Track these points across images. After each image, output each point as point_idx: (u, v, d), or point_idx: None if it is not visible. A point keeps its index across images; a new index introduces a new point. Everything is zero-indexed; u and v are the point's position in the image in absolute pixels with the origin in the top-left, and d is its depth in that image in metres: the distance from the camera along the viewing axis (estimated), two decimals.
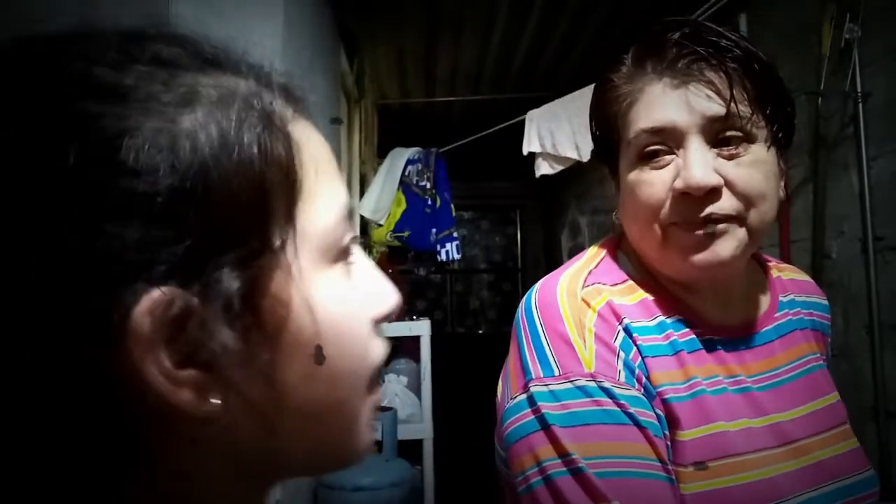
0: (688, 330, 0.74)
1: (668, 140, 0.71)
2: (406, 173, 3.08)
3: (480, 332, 6.25)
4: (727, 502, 0.66)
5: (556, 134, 2.45)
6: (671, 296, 0.76)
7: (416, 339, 2.88)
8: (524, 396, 0.67)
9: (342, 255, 0.37)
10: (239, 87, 0.34)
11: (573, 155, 2.38)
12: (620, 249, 0.81)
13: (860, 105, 1.76)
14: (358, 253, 0.40)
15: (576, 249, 4.33)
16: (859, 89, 1.76)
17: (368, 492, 2.31)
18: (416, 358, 2.93)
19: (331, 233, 0.36)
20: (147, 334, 0.29)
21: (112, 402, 0.30)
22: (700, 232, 0.70)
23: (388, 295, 0.41)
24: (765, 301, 0.82)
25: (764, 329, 0.80)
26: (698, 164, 0.69)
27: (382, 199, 3.07)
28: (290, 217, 0.34)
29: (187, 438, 0.32)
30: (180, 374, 0.30)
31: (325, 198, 0.36)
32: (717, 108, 0.69)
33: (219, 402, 0.31)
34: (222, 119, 0.32)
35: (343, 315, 0.36)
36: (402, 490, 2.47)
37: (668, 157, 0.71)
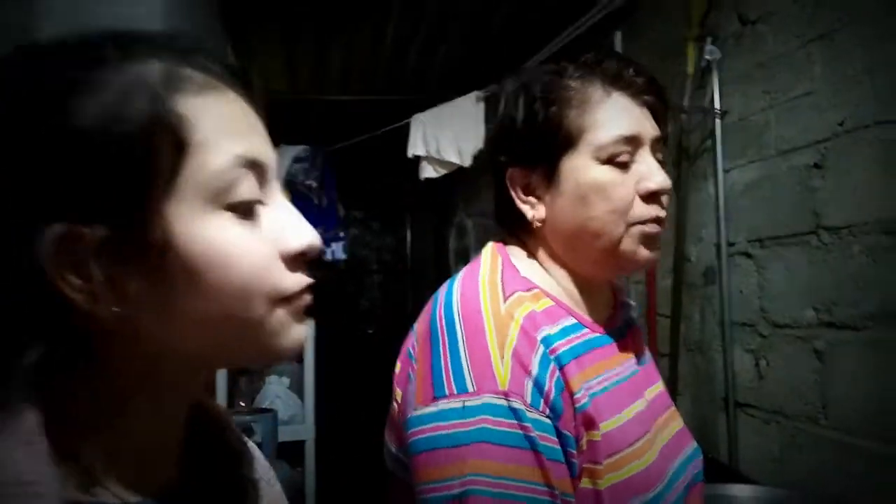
0: (584, 331, 0.80)
1: (633, 147, 0.79)
2: (291, 171, 3.03)
3: (370, 332, 6.24)
4: (633, 489, 0.71)
5: (441, 138, 2.50)
6: (569, 297, 0.82)
7: None
8: (435, 409, 0.68)
9: (236, 198, 0.44)
10: (140, 64, 0.43)
11: (456, 160, 2.44)
12: (515, 256, 0.84)
13: (718, 121, 1.91)
14: (274, 199, 0.48)
15: (461, 251, 4.41)
16: (718, 107, 1.92)
17: None
18: (300, 358, 2.89)
19: (218, 179, 0.43)
20: (57, 258, 0.40)
21: (51, 307, 0.41)
22: (655, 230, 0.80)
23: (297, 234, 0.48)
24: (614, 300, 0.91)
25: (618, 325, 0.88)
26: (658, 170, 0.80)
27: None
28: (174, 167, 0.42)
29: (111, 338, 0.43)
30: (86, 287, 0.41)
31: (214, 151, 0.44)
32: (658, 130, 0.82)
33: (118, 310, 0.41)
34: (115, 86, 0.41)
35: (232, 248, 0.44)
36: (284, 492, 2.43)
37: (629, 163, 0.80)
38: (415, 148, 2.59)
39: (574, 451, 0.70)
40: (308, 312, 0.50)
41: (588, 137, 0.78)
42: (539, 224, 0.82)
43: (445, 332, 0.73)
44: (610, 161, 0.78)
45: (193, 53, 0.46)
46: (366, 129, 3.15)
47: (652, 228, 0.79)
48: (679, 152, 2.12)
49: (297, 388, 2.88)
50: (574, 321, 0.79)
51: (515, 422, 0.66)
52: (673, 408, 0.89)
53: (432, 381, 0.70)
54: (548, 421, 0.68)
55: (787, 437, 1.67)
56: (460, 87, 2.83)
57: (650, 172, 0.78)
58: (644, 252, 0.79)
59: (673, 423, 0.86)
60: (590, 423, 0.71)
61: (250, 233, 0.45)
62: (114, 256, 0.41)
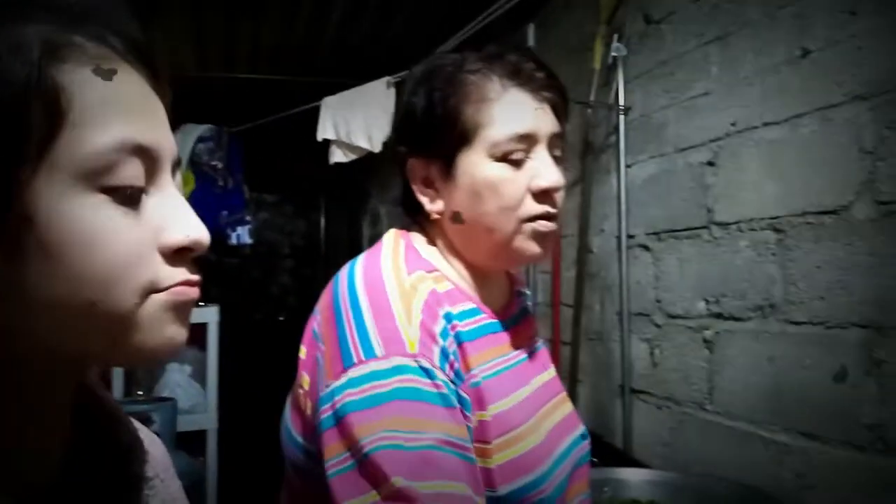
0: (481, 316, 0.82)
1: (528, 145, 0.80)
2: (196, 151, 2.92)
3: (281, 319, 6.12)
4: (521, 469, 0.74)
5: (351, 123, 2.47)
6: (467, 285, 0.84)
7: (204, 326, 2.76)
8: (345, 379, 0.68)
9: (115, 182, 0.41)
10: (21, 34, 0.39)
11: (366, 145, 2.42)
12: (417, 242, 0.85)
13: (621, 117, 1.97)
14: (163, 189, 0.45)
15: (375, 238, 4.37)
16: (622, 103, 1.97)
17: None
18: (203, 345, 2.81)
19: (95, 159, 0.40)
20: None
21: None
22: (547, 227, 0.81)
23: (180, 227, 0.45)
24: (510, 288, 0.93)
25: (514, 313, 0.90)
26: (552, 167, 0.81)
27: None
28: (45, 139, 0.39)
29: None
30: None
31: (95, 129, 0.41)
32: (557, 127, 0.83)
33: None
34: None
35: (101, 231, 0.41)
36: (183, 483, 2.36)
37: (523, 160, 0.81)
38: (324, 132, 2.55)
39: (470, 417, 0.72)
40: (198, 304, 0.47)
41: (483, 134, 0.79)
42: (437, 216, 0.83)
43: (349, 306, 0.73)
44: (504, 158, 0.79)
45: (89, 22, 0.42)
46: (276, 110, 3.07)
47: (543, 226, 0.80)
48: (584, 146, 2.17)
49: (200, 376, 2.79)
50: (472, 306, 0.81)
51: (428, 380, 0.68)
52: (563, 394, 0.93)
53: (340, 355, 0.70)
54: (452, 385, 0.71)
55: (676, 422, 1.75)
56: (374, 71, 2.80)
57: (543, 170, 0.79)
58: (535, 248, 0.81)
59: (562, 408, 0.89)
60: (480, 403, 0.73)
61: (127, 219, 0.42)
62: None
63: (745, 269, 1.53)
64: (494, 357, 0.79)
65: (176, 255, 0.44)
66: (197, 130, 2.96)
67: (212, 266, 3.73)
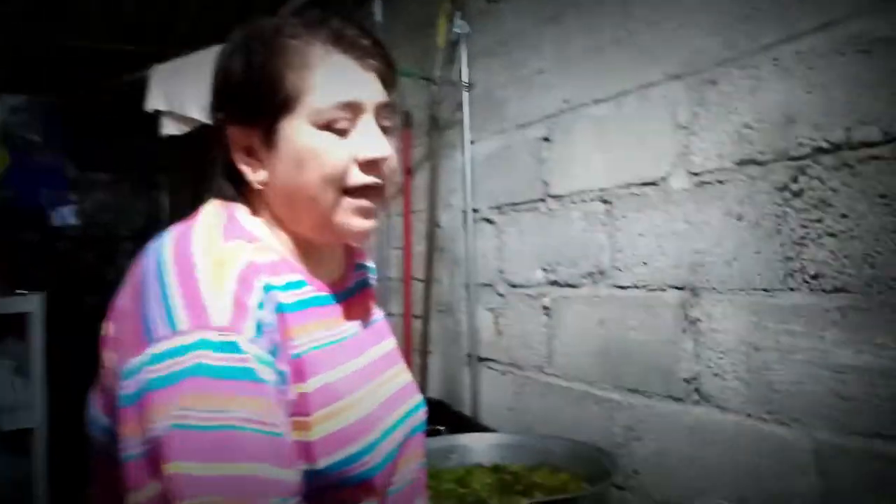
0: (307, 288, 0.80)
1: (353, 113, 0.77)
2: (9, 123, 2.63)
3: None
4: (344, 440, 0.73)
5: (184, 93, 2.33)
6: (294, 257, 0.81)
7: (25, 316, 2.52)
8: (146, 356, 0.64)
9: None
10: None
11: (199, 116, 2.29)
12: (239, 212, 0.81)
13: (465, 94, 2.00)
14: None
15: None
16: (465, 80, 2.01)
17: None
18: (26, 337, 2.56)
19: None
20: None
21: None
22: (369, 201, 0.79)
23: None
24: (347, 262, 0.92)
25: (349, 286, 0.90)
26: (378, 137, 0.79)
27: None
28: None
29: None
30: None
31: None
32: (384, 95, 0.81)
33: None
34: None
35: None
36: (5, 487, 2.16)
37: (349, 129, 0.78)
38: (154, 102, 2.38)
39: (287, 390, 0.70)
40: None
41: (305, 101, 0.76)
42: (260, 186, 0.80)
43: (155, 278, 0.69)
44: (327, 127, 0.76)
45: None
46: (106, 81, 2.83)
47: (364, 202, 0.79)
48: (431, 123, 2.19)
49: (25, 370, 2.55)
50: (299, 278, 0.79)
51: (234, 354, 0.65)
52: (400, 365, 0.93)
53: (143, 329, 0.66)
54: (269, 357, 0.68)
55: (519, 387, 1.83)
56: (209, 39, 2.65)
57: (369, 140, 0.78)
58: (357, 222, 0.79)
59: (398, 378, 0.90)
60: (300, 375, 0.71)
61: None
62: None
63: (578, 238, 1.62)
64: (320, 329, 0.78)
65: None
66: (9, 101, 2.66)
67: (35, 249, 3.38)
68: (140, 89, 2.55)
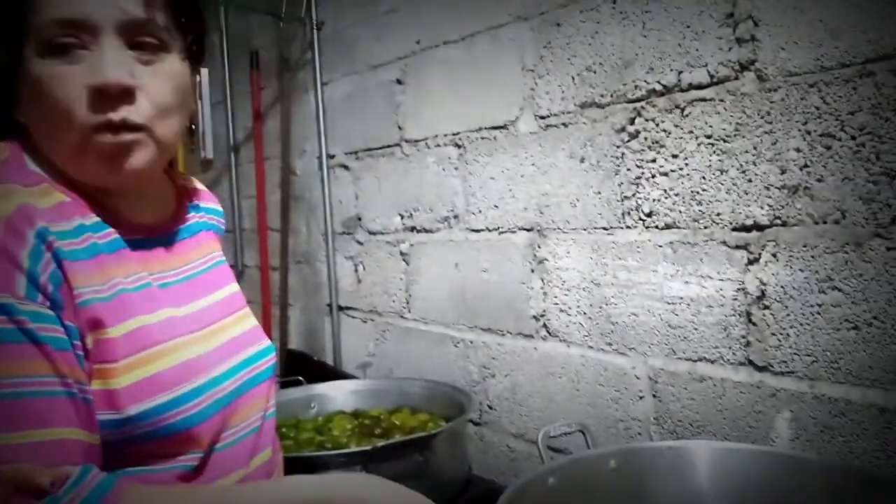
0: (108, 231, 0.73)
1: (82, 34, 0.67)
2: None
3: None
4: (158, 387, 0.69)
5: None
6: (89, 198, 0.73)
7: None
8: None
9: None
10: None
11: None
12: (26, 149, 0.73)
13: (315, 32, 1.92)
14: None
15: None
16: (314, 17, 1.92)
17: None
18: None
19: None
20: None
21: None
22: (115, 140, 0.69)
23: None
24: (175, 205, 0.86)
25: (177, 228, 0.84)
26: (114, 62, 0.67)
27: None
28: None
29: None
30: None
31: None
32: (138, 10, 0.68)
33: None
34: None
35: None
36: None
37: (81, 52, 0.67)
38: None
39: (79, 344, 0.66)
40: None
41: (30, 23, 0.67)
42: (21, 120, 0.73)
43: None
44: (54, 52, 0.67)
45: None
46: None
47: (103, 139, 0.68)
48: (280, 63, 2.09)
49: None
50: (97, 220, 0.73)
51: (5, 317, 0.60)
52: (242, 311, 0.90)
53: None
54: (49, 312, 0.63)
55: (379, 333, 1.83)
56: None
57: (99, 64, 0.67)
58: (101, 166, 0.70)
59: (238, 325, 0.86)
60: (97, 323, 0.67)
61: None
62: None
63: (434, 183, 1.62)
64: (126, 274, 0.72)
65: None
66: None
67: None
68: None
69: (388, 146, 1.75)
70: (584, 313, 1.30)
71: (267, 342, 0.90)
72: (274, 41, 2.09)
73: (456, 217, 1.57)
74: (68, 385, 0.63)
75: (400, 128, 1.71)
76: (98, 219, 0.72)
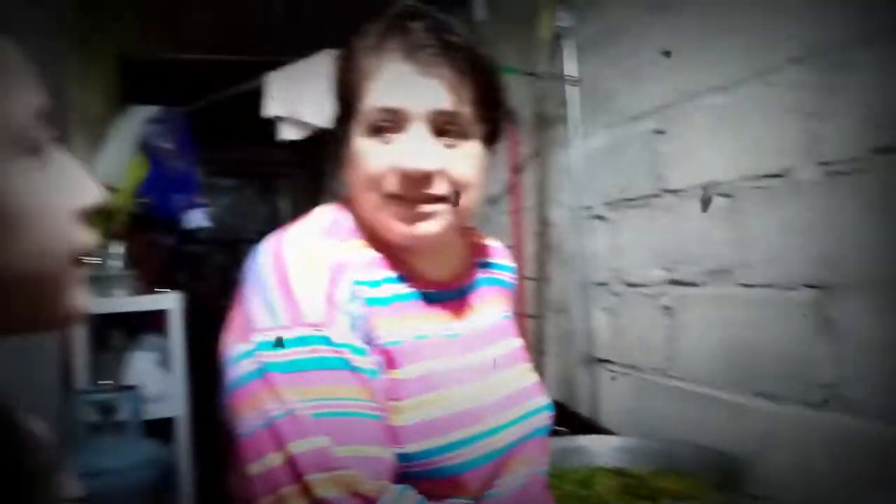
0: (407, 284, 0.83)
1: (397, 120, 0.78)
2: (148, 135, 2.82)
3: None
4: (434, 430, 0.76)
5: (300, 98, 2.41)
6: (393, 255, 0.84)
7: (164, 313, 2.72)
8: (249, 345, 0.71)
9: (31, 146, 0.45)
10: None
11: (315, 121, 2.35)
12: (346, 211, 0.86)
13: (571, 88, 1.96)
14: (58, 151, 0.48)
15: None
16: (570, 74, 1.96)
17: (112, 475, 2.16)
18: (167, 333, 2.77)
19: (12, 124, 0.43)
20: None
21: None
22: (414, 210, 0.79)
23: (88, 188, 0.49)
24: (468, 261, 0.94)
25: (468, 283, 0.91)
26: (418, 151, 0.78)
27: (113, 161, 2.77)
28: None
29: None
30: None
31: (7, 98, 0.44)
32: (446, 103, 0.78)
33: None
34: None
35: (33, 201, 0.44)
36: (152, 470, 2.34)
37: (394, 136, 0.78)
38: (271, 108, 2.48)
39: (387, 376, 0.76)
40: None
41: (357, 108, 0.80)
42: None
43: (259, 273, 0.76)
44: (374, 132, 0.79)
45: None
46: (225, 89, 2.99)
47: (404, 208, 0.79)
48: (537, 120, 2.16)
49: (166, 364, 2.76)
50: (395, 274, 0.83)
51: (330, 348, 0.71)
52: (525, 366, 0.94)
53: (248, 318, 0.73)
54: (363, 346, 0.74)
55: (638, 389, 1.78)
56: (325, 46, 2.74)
57: (408, 150, 0.77)
58: (400, 228, 0.80)
59: (520, 379, 0.90)
60: (391, 363, 0.76)
61: (46, 184, 0.48)
62: None
63: (699, 235, 1.55)
64: (418, 323, 0.81)
65: (81, 214, 0.50)
66: (145, 113, 2.86)
67: (172, 252, 3.67)
68: (257, 97, 2.68)
69: (648, 196, 1.71)
70: (885, 383, 1.14)
71: (545, 400, 0.92)
72: (530, 99, 2.18)
73: (725, 271, 1.48)
74: (375, 410, 0.72)
75: (660, 177, 1.67)
76: (399, 273, 0.83)
